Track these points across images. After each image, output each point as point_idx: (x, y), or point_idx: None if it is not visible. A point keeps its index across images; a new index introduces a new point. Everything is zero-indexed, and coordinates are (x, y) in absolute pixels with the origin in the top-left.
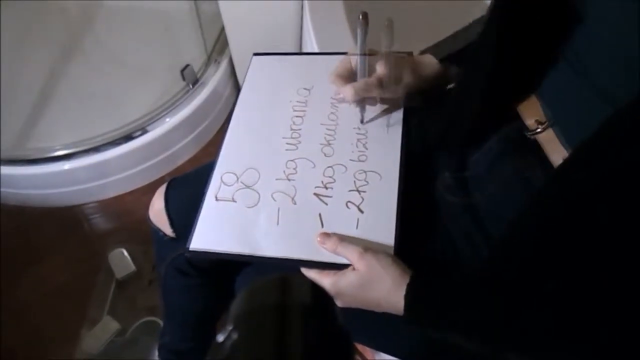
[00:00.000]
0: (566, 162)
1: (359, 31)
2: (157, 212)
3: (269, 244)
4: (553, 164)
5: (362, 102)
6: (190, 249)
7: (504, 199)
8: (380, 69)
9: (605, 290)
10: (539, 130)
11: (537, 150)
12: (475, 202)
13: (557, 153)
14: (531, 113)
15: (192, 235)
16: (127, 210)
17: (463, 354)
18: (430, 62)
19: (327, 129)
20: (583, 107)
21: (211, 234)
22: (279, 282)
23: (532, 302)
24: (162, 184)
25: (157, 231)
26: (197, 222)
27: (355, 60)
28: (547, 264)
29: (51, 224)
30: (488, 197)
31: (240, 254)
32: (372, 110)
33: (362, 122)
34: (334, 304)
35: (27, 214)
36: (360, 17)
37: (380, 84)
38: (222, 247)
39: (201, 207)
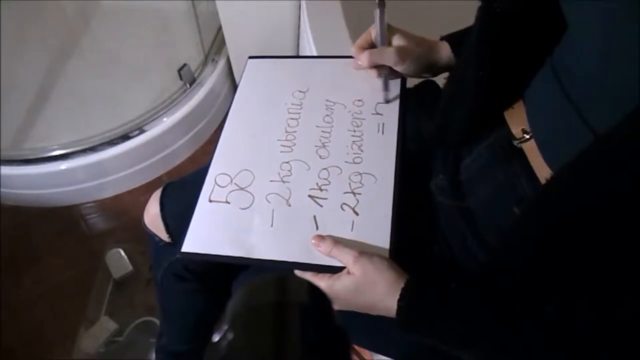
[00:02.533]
0: (549, 183)
1: (377, 5)
2: (153, 217)
3: (262, 246)
4: (536, 173)
5: (379, 72)
6: (182, 251)
7: (495, 204)
8: (396, 41)
9: (600, 305)
10: (525, 138)
11: (522, 158)
12: (468, 205)
13: (540, 163)
14: (518, 121)
15: (185, 237)
16: (124, 210)
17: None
18: (444, 48)
19: (322, 131)
20: (560, 121)
21: (204, 236)
22: (275, 281)
23: (525, 318)
24: (160, 183)
25: (152, 236)
26: (190, 223)
27: (374, 33)
28: (537, 280)
29: (49, 224)
30: (480, 201)
31: (234, 256)
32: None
33: (387, 100)
34: (331, 304)
35: (24, 214)
36: None
37: (396, 53)
38: (215, 250)
39: (194, 209)
